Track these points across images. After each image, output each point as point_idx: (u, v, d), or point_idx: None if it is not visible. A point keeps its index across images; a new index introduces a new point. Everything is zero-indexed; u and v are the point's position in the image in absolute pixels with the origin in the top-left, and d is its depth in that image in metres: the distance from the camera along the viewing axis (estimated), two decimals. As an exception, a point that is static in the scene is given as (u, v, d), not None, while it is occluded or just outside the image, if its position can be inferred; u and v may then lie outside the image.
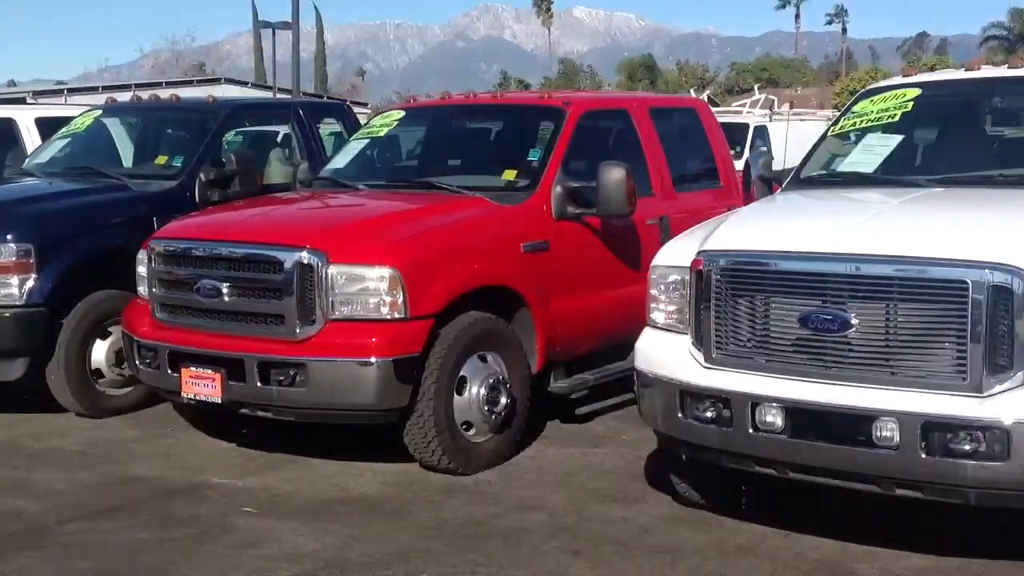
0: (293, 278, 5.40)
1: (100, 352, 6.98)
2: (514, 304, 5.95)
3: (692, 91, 34.33)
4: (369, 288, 5.36)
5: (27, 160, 8.39)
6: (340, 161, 7.12)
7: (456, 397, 5.58)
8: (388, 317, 5.36)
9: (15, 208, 6.93)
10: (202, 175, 7.56)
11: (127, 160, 8.22)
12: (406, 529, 4.93)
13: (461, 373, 5.59)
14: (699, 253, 4.40)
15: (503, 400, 5.74)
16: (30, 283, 6.65)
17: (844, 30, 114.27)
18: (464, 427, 5.65)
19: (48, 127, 9.75)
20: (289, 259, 5.42)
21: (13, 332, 6.65)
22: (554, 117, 6.46)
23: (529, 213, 6.06)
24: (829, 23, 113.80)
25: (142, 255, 6.22)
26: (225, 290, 5.62)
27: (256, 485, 5.61)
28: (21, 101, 35.14)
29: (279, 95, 42.66)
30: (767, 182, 5.64)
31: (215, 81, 46.33)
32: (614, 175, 5.98)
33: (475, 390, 5.65)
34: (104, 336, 6.99)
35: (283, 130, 8.83)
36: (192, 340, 5.73)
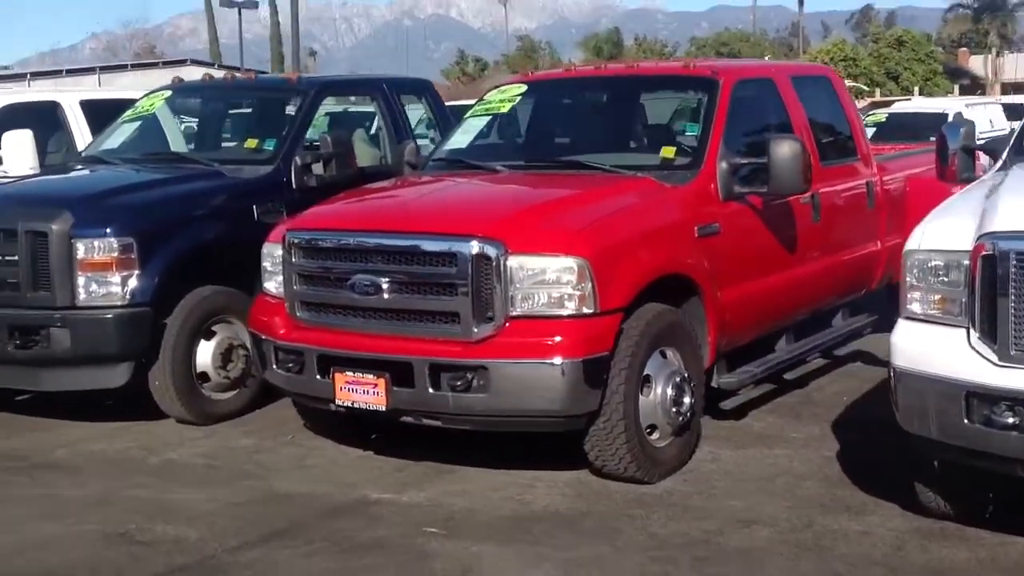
0: (468, 271, 4.86)
1: (205, 354, 6.39)
2: (685, 293, 5.47)
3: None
4: (554, 280, 4.84)
5: (92, 146, 7.71)
6: (461, 140, 6.56)
7: (640, 398, 5.11)
8: (576, 312, 4.85)
9: (111, 199, 6.28)
10: (298, 159, 6.97)
11: (206, 144, 7.58)
12: (626, 551, 4.44)
13: (645, 371, 5.11)
14: (983, 236, 3.94)
15: (687, 399, 5.26)
16: (133, 281, 6.04)
17: (801, 3, 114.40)
18: (648, 431, 5.18)
19: (94, 110, 9.09)
20: (463, 250, 4.87)
21: (116, 335, 6.03)
22: (706, 88, 5.95)
23: (697, 194, 5.57)
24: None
25: (272, 248, 5.63)
26: (385, 286, 5.05)
27: (423, 501, 5.09)
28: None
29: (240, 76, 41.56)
30: (970, 153, 5.21)
31: (181, 63, 45.23)
32: (788, 150, 5.51)
33: (659, 389, 5.17)
34: (208, 336, 6.41)
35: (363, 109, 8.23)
36: (346, 342, 5.17)
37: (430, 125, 8.22)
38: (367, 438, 5.95)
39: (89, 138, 8.90)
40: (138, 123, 7.68)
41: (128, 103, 9.62)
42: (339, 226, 5.34)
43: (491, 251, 4.85)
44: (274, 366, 5.50)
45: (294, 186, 6.94)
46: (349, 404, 5.14)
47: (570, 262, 4.82)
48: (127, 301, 6.04)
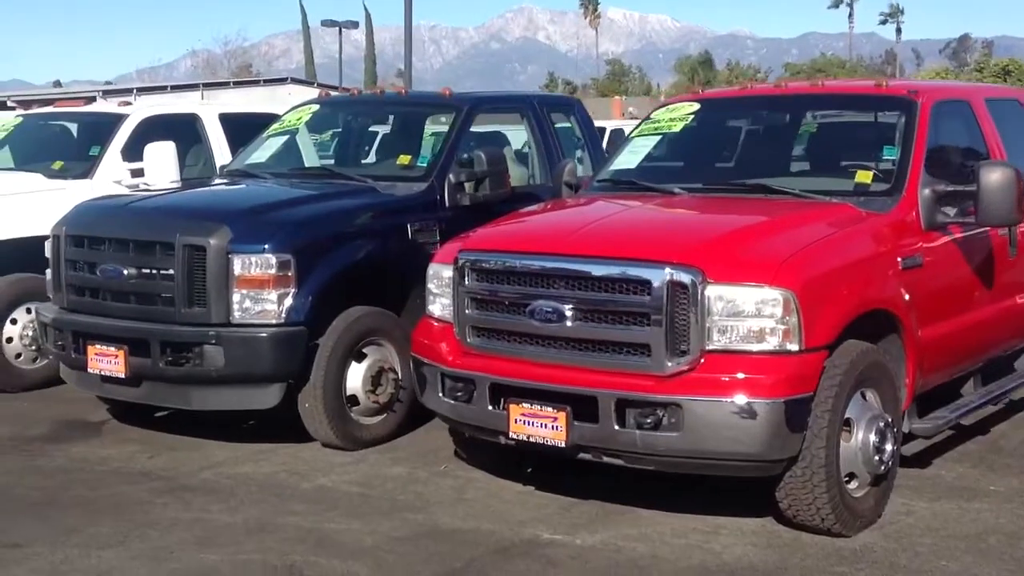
0: (662, 300, 4.51)
1: (356, 377, 6.14)
2: (883, 330, 5.04)
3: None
4: (757, 313, 4.45)
5: (237, 159, 7.57)
6: (629, 160, 6.22)
7: (841, 444, 4.68)
8: (779, 349, 4.46)
9: (269, 214, 6.08)
10: (451, 176, 6.72)
11: (356, 159, 7.38)
12: (841, 612, 4.04)
13: (846, 415, 4.69)
14: None
15: (889, 446, 4.82)
16: (289, 299, 5.82)
17: (899, 30, 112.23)
18: (846, 479, 4.75)
19: (232, 124, 9.00)
20: (657, 278, 4.52)
21: (271, 355, 5.82)
22: (904, 108, 5.52)
23: (899, 223, 5.14)
24: (883, 23, 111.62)
25: (439, 269, 5.35)
26: (569, 313, 4.73)
27: (599, 544, 4.72)
28: (91, 101, 34.86)
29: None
30: None
31: (281, 81, 46.03)
32: (1001, 177, 5.05)
33: (860, 435, 4.74)
34: (359, 359, 6.17)
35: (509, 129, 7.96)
36: (523, 372, 4.85)
37: (578, 145, 7.91)
38: (522, 471, 5.63)
39: (227, 151, 8.82)
40: (285, 137, 7.52)
41: (265, 117, 9.56)
42: (519, 248, 5.03)
43: (688, 279, 4.49)
44: (439, 393, 5.21)
45: (447, 204, 6.69)
46: (523, 438, 4.81)
47: (776, 294, 4.43)
48: (282, 320, 5.82)
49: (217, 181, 7.23)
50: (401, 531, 4.92)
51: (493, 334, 5.04)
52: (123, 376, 5.99)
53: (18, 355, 7.52)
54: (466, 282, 5.11)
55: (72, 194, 7.82)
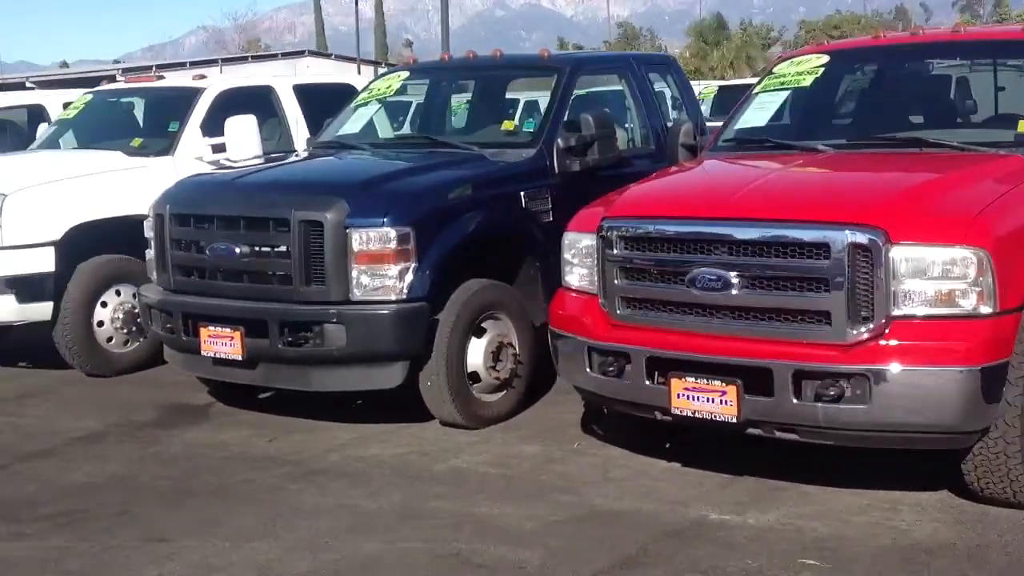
0: (843, 264, 4.22)
1: (477, 353, 5.88)
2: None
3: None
4: (947, 275, 4.17)
5: (328, 131, 7.26)
6: (755, 118, 5.92)
7: (1026, 414, 4.41)
8: (972, 312, 4.17)
9: (385, 186, 5.80)
10: (560, 141, 6.43)
11: (456, 127, 7.08)
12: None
13: (1037, 380, 4.41)
14: None
15: (1080, 413, 4.55)
16: (409, 274, 5.56)
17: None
18: (1032, 451, 4.48)
19: (307, 95, 8.71)
20: (837, 240, 4.24)
21: (393, 332, 5.56)
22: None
23: (1069, 175, 4.84)
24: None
25: (577, 237, 5.08)
26: (735, 281, 4.45)
27: (776, 524, 4.46)
28: (111, 79, 34.55)
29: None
30: None
31: (299, 54, 45.69)
32: None
33: (1050, 401, 4.47)
34: (479, 334, 5.91)
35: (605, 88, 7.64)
36: (685, 344, 4.58)
37: (675, 105, 7.60)
38: (657, 446, 5.38)
39: (303, 123, 8.54)
40: (377, 106, 7.23)
41: (338, 87, 9.30)
42: (675, 213, 4.74)
43: (870, 240, 4.20)
44: (587, 369, 4.94)
45: (556, 171, 6.40)
46: (687, 413, 4.55)
47: (968, 253, 4.14)
48: (404, 296, 5.56)
49: (315, 154, 6.92)
50: (558, 514, 4.68)
51: (646, 304, 4.76)
52: (239, 358, 5.75)
53: (109, 339, 7.29)
54: (614, 251, 4.83)
55: (154, 172, 7.59)
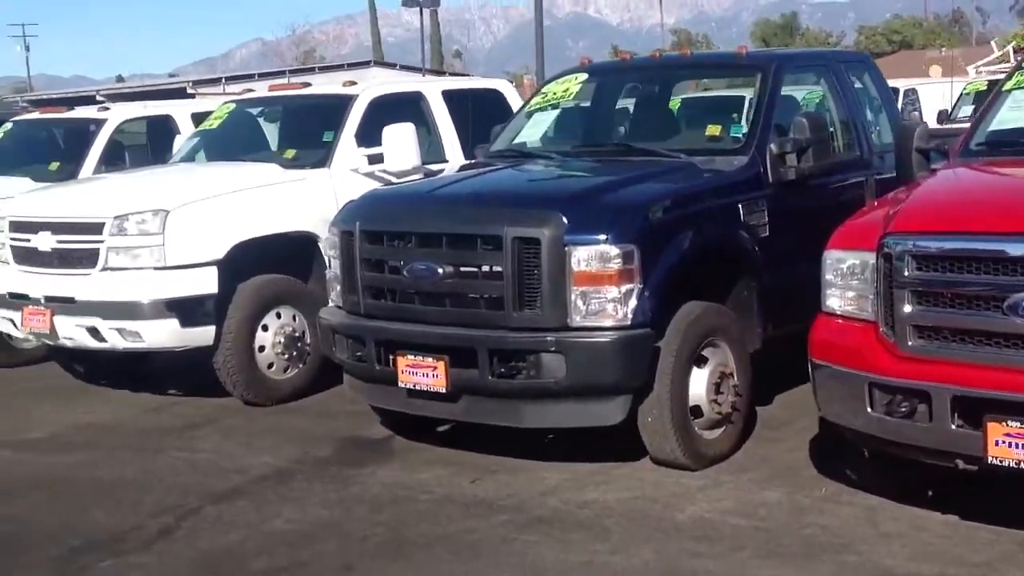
0: None
1: (699, 384, 5.30)
2: None
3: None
4: None
5: (502, 138, 6.71)
6: (1013, 119, 5.29)
7: None
8: None
9: (603, 198, 5.25)
10: (772, 147, 5.84)
11: (647, 132, 6.50)
12: None
13: None
14: None
15: None
16: (633, 297, 5.00)
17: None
18: None
19: (454, 100, 8.21)
20: None
21: (619, 362, 5.00)
22: None
23: None
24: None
25: (842, 256, 4.49)
26: (1071, 308, 3.84)
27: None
28: (182, 92, 34.56)
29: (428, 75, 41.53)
30: None
31: (365, 64, 45.58)
32: None
33: None
34: (700, 363, 5.33)
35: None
36: (1006, 382, 3.95)
37: (874, 106, 6.97)
38: (917, 493, 4.74)
39: (452, 131, 8.05)
40: (554, 111, 6.69)
41: (484, 92, 8.83)
42: (989, 229, 4.12)
43: None
44: (867, 407, 4.33)
45: (770, 179, 5.82)
46: (1012, 464, 3.93)
47: None
48: (628, 321, 5.00)
49: (491, 164, 6.37)
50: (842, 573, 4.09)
51: (949, 335, 4.15)
52: (442, 391, 5.22)
53: (270, 365, 6.81)
54: (904, 272, 4.22)
55: (312, 185, 7.14)
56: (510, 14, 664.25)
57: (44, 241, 6.73)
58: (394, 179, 7.42)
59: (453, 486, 5.27)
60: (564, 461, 5.51)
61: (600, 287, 4.99)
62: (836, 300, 4.57)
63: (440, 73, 45.44)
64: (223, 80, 41.38)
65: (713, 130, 6.08)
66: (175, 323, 6.41)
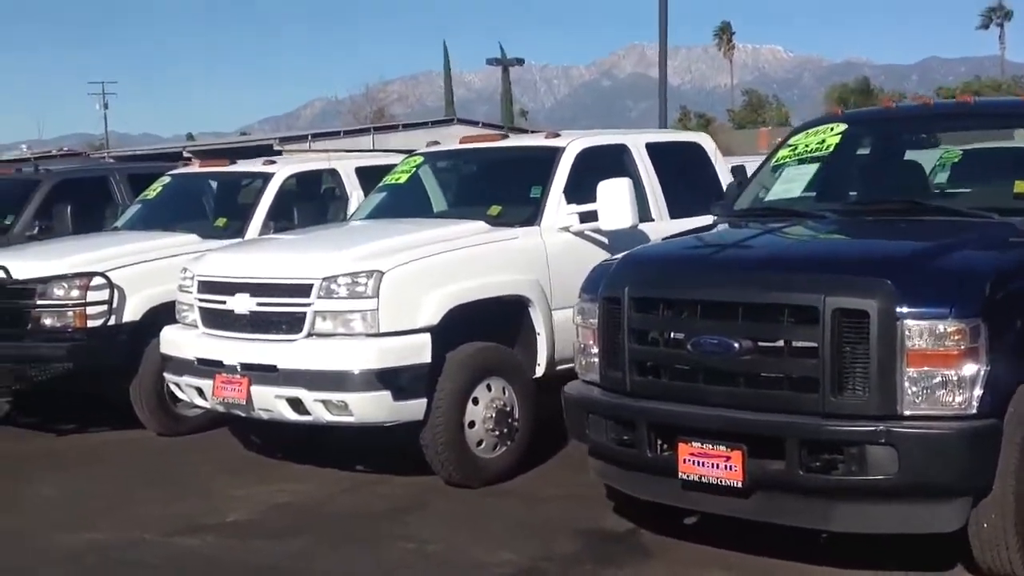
0: None
1: None
2: None
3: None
4: None
5: (746, 195, 5.91)
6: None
7: None
8: None
9: (937, 263, 4.47)
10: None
11: (923, 186, 5.75)
12: None
13: None
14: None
15: None
16: (979, 383, 4.19)
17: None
18: None
19: (657, 153, 7.55)
20: None
21: (964, 459, 4.18)
22: None
23: None
24: None
25: None
26: None
27: None
28: (269, 150, 34.56)
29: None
30: None
31: (448, 121, 45.68)
32: None
33: None
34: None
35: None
36: None
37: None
38: None
39: (657, 185, 7.40)
40: (813, 165, 5.90)
41: (687, 146, 8.26)
42: None
43: None
44: None
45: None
46: None
47: None
48: (974, 410, 4.20)
49: (760, 224, 5.53)
50: None
51: None
52: (738, 484, 4.45)
53: (479, 442, 6.09)
54: None
55: (524, 245, 6.49)
56: (571, 74, 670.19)
57: (242, 303, 6.09)
58: (605, 239, 6.79)
59: (748, 597, 4.48)
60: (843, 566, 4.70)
61: (939, 369, 4.20)
62: None
63: (523, 131, 45.27)
64: (309, 137, 41.63)
65: (1021, 186, 5.27)
66: (387, 396, 5.72)
